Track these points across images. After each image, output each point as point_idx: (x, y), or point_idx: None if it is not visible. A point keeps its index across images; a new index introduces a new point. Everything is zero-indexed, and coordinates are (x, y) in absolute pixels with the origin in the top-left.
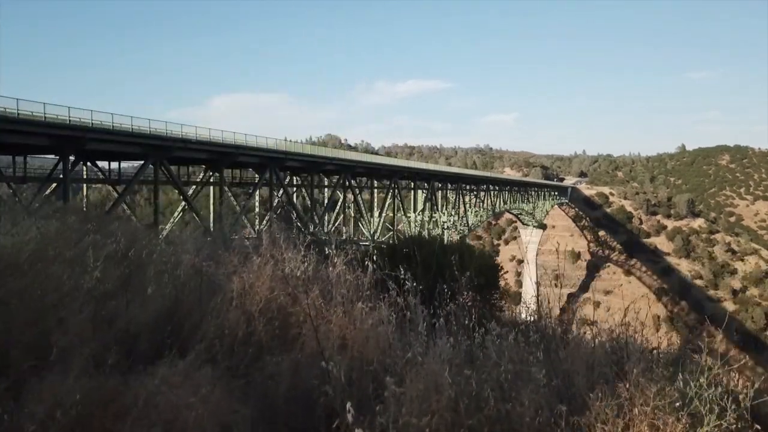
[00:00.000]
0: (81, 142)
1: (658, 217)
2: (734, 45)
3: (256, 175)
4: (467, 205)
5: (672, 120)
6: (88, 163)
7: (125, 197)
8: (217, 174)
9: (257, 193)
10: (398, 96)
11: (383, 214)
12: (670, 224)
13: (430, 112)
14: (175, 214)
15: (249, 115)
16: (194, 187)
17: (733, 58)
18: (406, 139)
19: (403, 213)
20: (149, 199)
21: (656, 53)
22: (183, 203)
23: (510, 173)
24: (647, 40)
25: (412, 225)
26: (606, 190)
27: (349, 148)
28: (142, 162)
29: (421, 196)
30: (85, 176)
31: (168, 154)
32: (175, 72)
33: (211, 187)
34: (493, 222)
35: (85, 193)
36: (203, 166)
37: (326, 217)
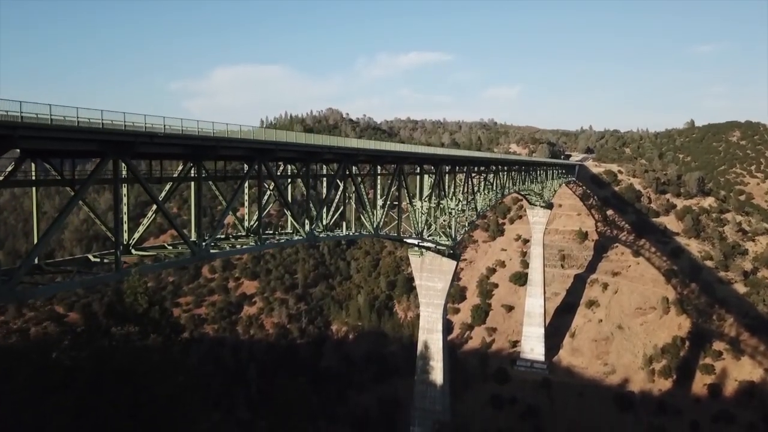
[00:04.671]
0: (9, 141)
1: (668, 195)
2: (738, 18)
3: (245, 166)
4: (476, 188)
5: (678, 94)
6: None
7: (79, 199)
8: (196, 168)
9: (245, 187)
10: (400, 68)
11: (387, 204)
12: (680, 203)
13: (433, 84)
14: (148, 215)
15: (250, 88)
16: (169, 184)
17: (737, 31)
18: (408, 112)
19: (408, 201)
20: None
21: (661, 25)
22: (165, 195)
23: (516, 149)
24: (652, 12)
25: (419, 214)
26: (614, 167)
27: (351, 122)
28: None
29: (427, 180)
30: (34, 177)
31: (130, 150)
32: (176, 43)
33: (192, 184)
34: (499, 201)
35: (35, 196)
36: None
37: (324, 211)
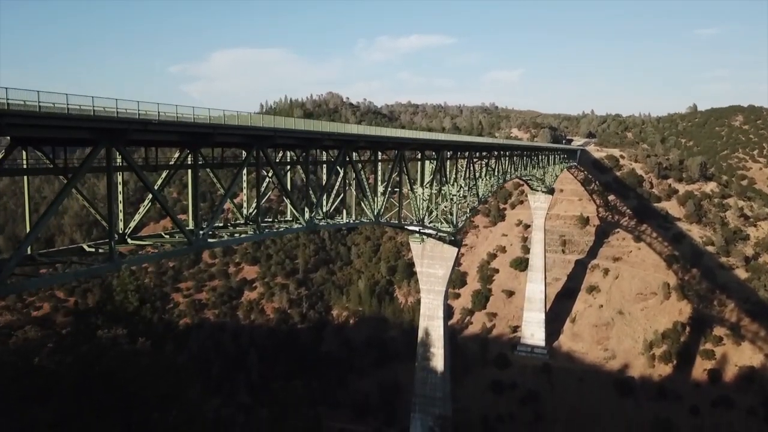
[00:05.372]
0: None
1: (670, 180)
2: (742, 0)
3: (244, 152)
4: (477, 174)
5: (681, 78)
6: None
7: (72, 187)
8: (193, 156)
9: (243, 173)
10: (401, 52)
11: (388, 190)
12: (682, 188)
13: (434, 68)
14: (144, 203)
15: (249, 71)
16: (165, 172)
17: (741, 15)
18: (409, 96)
19: (409, 188)
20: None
21: (664, 8)
22: (161, 183)
23: (517, 134)
24: None
25: (420, 200)
26: (616, 152)
27: (351, 107)
28: None
29: (429, 166)
30: (25, 165)
31: (123, 138)
32: (175, 26)
33: (189, 171)
34: (501, 186)
35: (26, 185)
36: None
37: (324, 198)
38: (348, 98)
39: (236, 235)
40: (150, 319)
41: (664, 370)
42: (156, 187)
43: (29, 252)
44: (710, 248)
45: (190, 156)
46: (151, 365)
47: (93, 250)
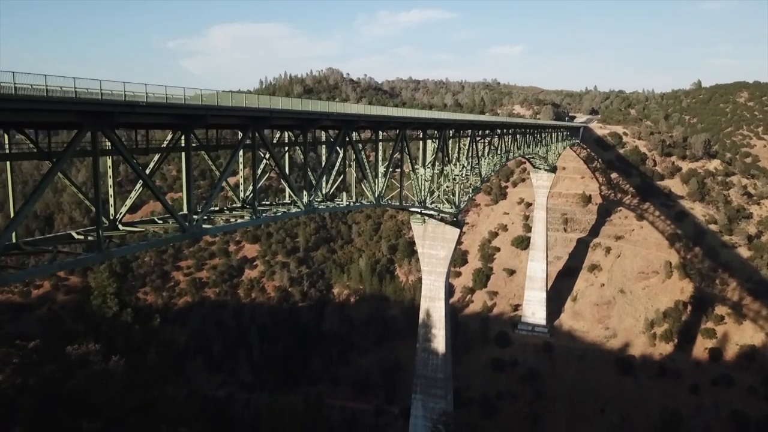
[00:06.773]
0: None
1: (673, 158)
2: None
3: (240, 133)
4: (480, 153)
5: (684, 53)
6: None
7: (55, 174)
8: (185, 138)
9: (240, 155)
10: (401, 26)
11: (389, 171)
12: (685, 166)
13: (435, 43)
14: (136, 187)
15: (248, 46)
16: (157, 155)
17: None
18: (410, 71)
19: (411, 168)
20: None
21: None
22: (153, 166)
23: (520, 111)
24: None
25: (422, 181)
26: (619, 129)
27: (352, 83)
28: None
29: (430, 145)
30: (8, 150)
31: (110, 121)
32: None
33: (183, 154)
34: (503, 165)
35: (9, 170)
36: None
37: (323, 180)
38: (348, 74)
39: (232, 220)
40: (131, 325)
41: (665, 348)
42: (148, 171)
43: (14, 240)
44: (713, 227)
45: (182, 138)
46: (124, 389)
47: (82, 237)
